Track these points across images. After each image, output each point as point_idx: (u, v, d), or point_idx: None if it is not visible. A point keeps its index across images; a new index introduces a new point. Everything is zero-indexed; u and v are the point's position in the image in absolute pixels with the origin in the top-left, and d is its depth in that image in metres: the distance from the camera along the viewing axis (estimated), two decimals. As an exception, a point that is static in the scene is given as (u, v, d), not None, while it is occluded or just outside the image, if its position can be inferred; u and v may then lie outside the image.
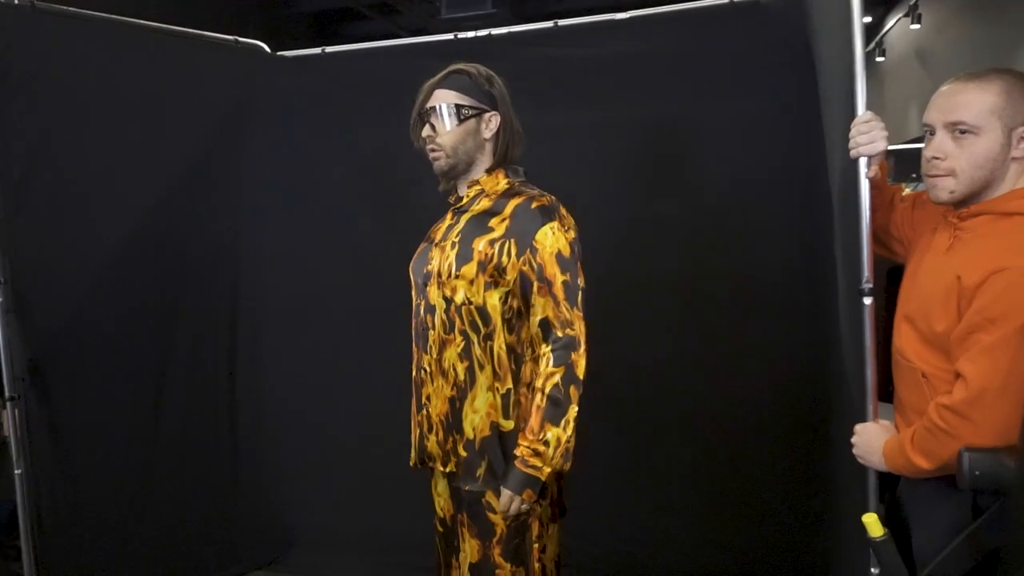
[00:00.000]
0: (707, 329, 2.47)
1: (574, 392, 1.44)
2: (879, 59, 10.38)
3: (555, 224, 1.48)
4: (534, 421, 1.44)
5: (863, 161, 1.36)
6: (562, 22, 2.50)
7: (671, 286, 2.51)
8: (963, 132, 1.27)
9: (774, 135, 2.37)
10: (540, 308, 1.48)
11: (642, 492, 2.58)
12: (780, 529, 2.40)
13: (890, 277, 1.62)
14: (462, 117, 1.52)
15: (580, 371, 1.45)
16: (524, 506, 1.44)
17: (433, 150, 1.55)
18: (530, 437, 1.44)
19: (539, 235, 1.46)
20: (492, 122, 1.55)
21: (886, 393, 1.43)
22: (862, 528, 1.25)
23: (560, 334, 1.46)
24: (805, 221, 2.30)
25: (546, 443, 1.43)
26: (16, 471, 2.24)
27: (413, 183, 2.47)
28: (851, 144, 1.37)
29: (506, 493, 1.44)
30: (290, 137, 2.84)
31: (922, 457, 1.23)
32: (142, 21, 2.50)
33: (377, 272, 2.60)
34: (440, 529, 1.67)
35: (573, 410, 1.44)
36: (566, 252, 1.47)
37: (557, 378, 1.44)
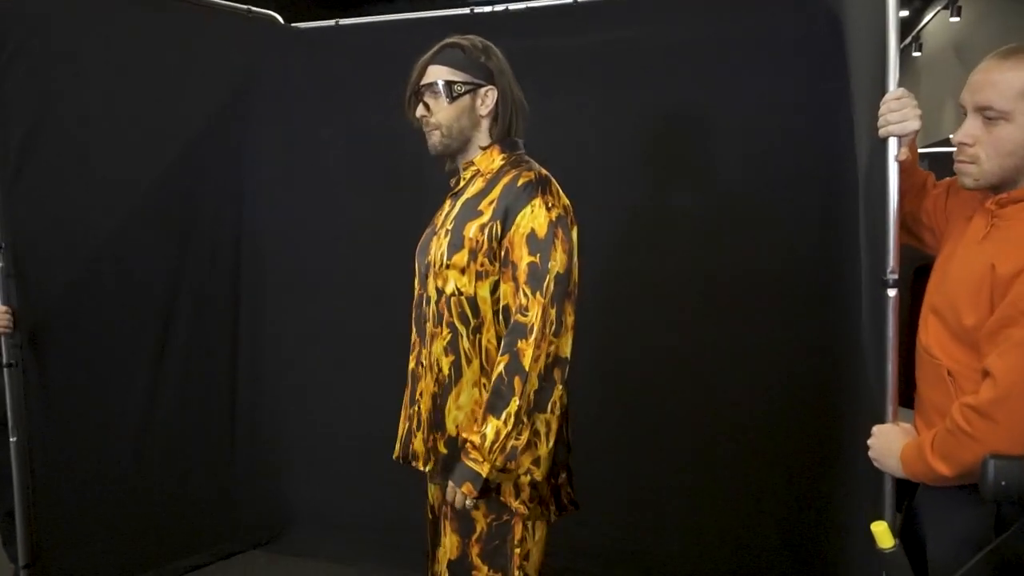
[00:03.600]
0: (721, 322, 2.38)
1: (518, 383, 1.30)
2: (915, 54, 10.09)
3: (537, 201, 1.36)
4: (479, 412, 1.36)
5: (892, 142, 1.26)
6: (581, -1, 2.41)
7: (685, 278, 2.42)
8: (991, 118, 1.16)
9: (796, 120, 2.27)
10: (504, 294, 1.38)
11: (653, 488, 2.50)
12: (790, 531, 2.33)
13: (917, 274, 1.53)
14: (455, 94, 1.43)
15: (527, 360, 1.30)
16: (468, 502, 1.35)
17: (429, 129, 1.47)
18: (473, 429, 1.36)
19: (519, 215, 1.36)
20: (489, 97, 1.45)
21: (907, 398, 1.33)
22: (871, 537, 1.16)
23: (512, 320, 1.35)
24: (827, 210, 2.20)
25: (483, 436, 1.32)
26: (12, 439, 2.22)
27: (426, 162, 2.40)
28: (880, 123, 1.27)
29: (450, 485, 1.36)
30: (298, 112, 2.78)
31: (942, 462, 1.13)
32: (150, -13, 2.46)
33: (382, 254, 2.55)
34: (430, 516, 1.62)
35: (515, 403, 1.31)
36: (540, 232, 1.34)
37: (501, 367, 1.33)
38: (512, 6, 2.49)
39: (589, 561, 2.48)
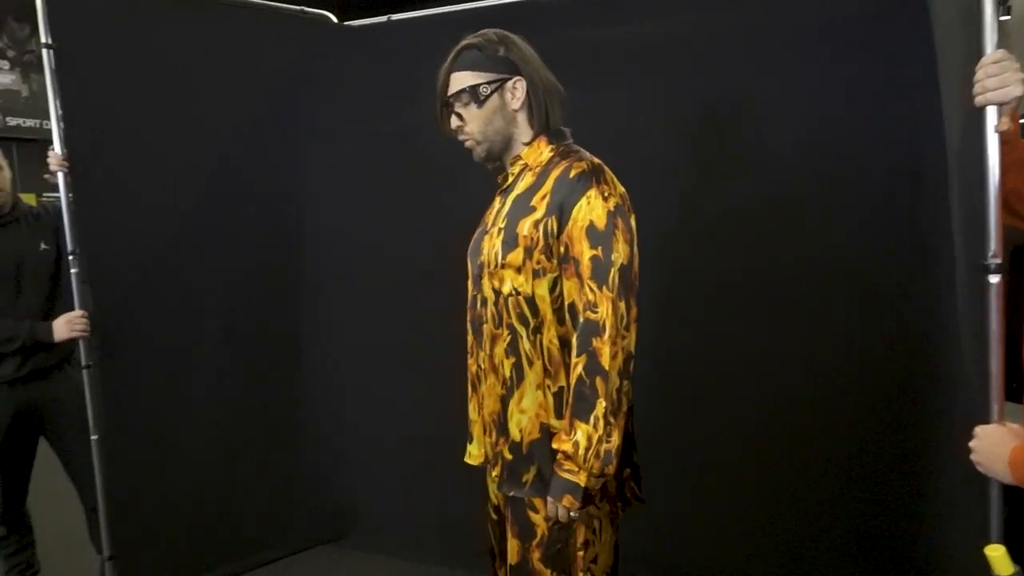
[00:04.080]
0: (791, 317, 2.25)
1: (600, 384, 1.24)
2: (1003, 17, 9.43)
3: (593, 192, 1.29)
4: (566, 420, 1.30)
5: (991, 111, 1.14)
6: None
7: (752, 271, 2.28)
8: None
9: (871, 99, 2.10)
10: (568, 292, 1.32)
11: (714, 491, 2.40)
12: (868, 543, 2.17)
13: (1014, 257, 1.39)
14: (482, 96, 1.37)
15: (605, 359, 1.24)
16: (572, 513, 1.29)
17: (465, 140, 1.42)
18: (563, 438, 1.30)
19: (575, 208, 1.29)
20: (518, 89, 1.39)
21: (1012, 391, 1.20)
22: (983, 560, 1.04)
23: (581, 318, 1.29)
24: (907, 195, 2.04)
25: (576, 444, 1.27)
26: (92, 437, 2.31)
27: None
28: (976, 90, 1.14)
29: (549, 500, 1.31)
30: (353, 109, 2.78)
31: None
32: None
33: (444, 249, 2.51)
34: (494, 517, 1.58)
35: (601, 405, 1.25)
36: (600, 224, 1.28)
37: (580, 369, 1.27)
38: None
39: (641, 565, 2.41)
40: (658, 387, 2.41)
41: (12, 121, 6.47)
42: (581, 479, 1.26)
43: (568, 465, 1.27)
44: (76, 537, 2.82)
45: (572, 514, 1.29)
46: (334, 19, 2.79)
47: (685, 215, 2.37)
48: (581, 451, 1.25)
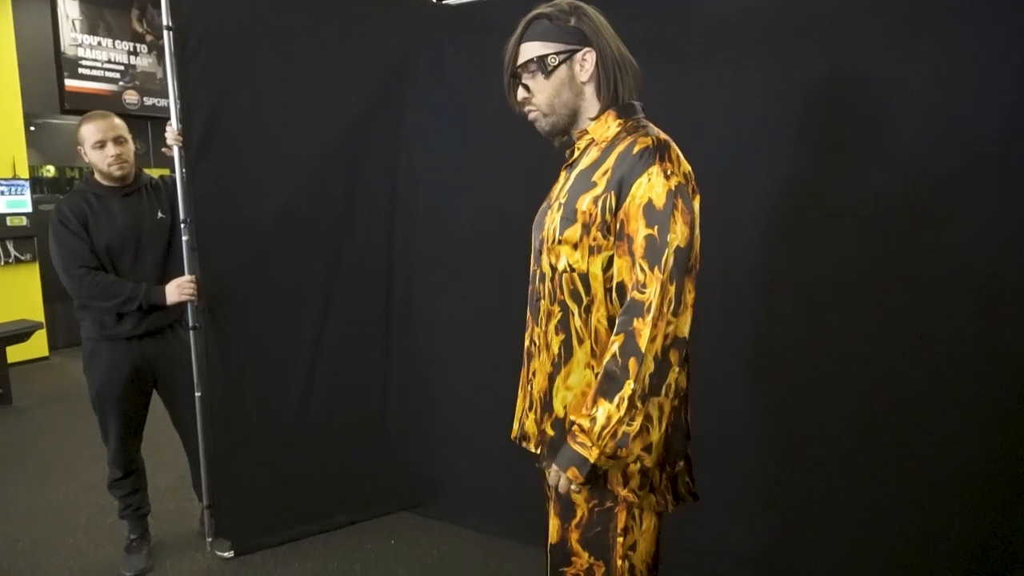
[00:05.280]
0: (906, 318, 2.09)
1: (633, 365, 1.19)
2: None
3: (655, 168, 1.23)
4: (590, 395, 1.26)
5: None
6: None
7: (864, 268, 2.13)
8: None
9: (1013, 78, 1.89)
10: (619, 270, 1.27)
11: (809, 493, 2.30)
12: (969, 555, 2.01)
13: None
14: (550, 67, 1.33)
15: (643, 341, 1.18)
16: (573, 487, 1.27)
17: (531, 112, 1.39)
18: (582, 411, 1.26)
19: (635, 184, 1.24)
20: (587, 61, 1.34)
21: None
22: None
23: (628, 297, 1.24)
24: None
25: (593, 419, 1.23)
26: (196, 393, 2.50)
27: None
28: None
29: (553, 468, 1.29)
30: (454, 92, 2.80)
31: None
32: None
33: (530, 230, 2.52)
34: (550, 496, 1.57)
35: (629, 386, 1.20)
36: (659, 202, 1.21)
37: (615, 348, 1.22)
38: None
39: (728, 562, 2.33)
40: (768, 384, 2.33)
41: (148, 101, 7.03)
42: (591, 455, 1.23)
43: (582, 438, 1.24)
44: (183, 484, 3.08)
45: (573, 487, 1.27)
46: (433, 0, 2.83)
47: (790, 206, 2.24)
48: (597, 427, 1.22)
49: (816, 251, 2.20)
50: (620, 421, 1.21)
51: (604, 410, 1.22)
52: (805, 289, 2.23)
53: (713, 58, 2.27)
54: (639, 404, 1.20)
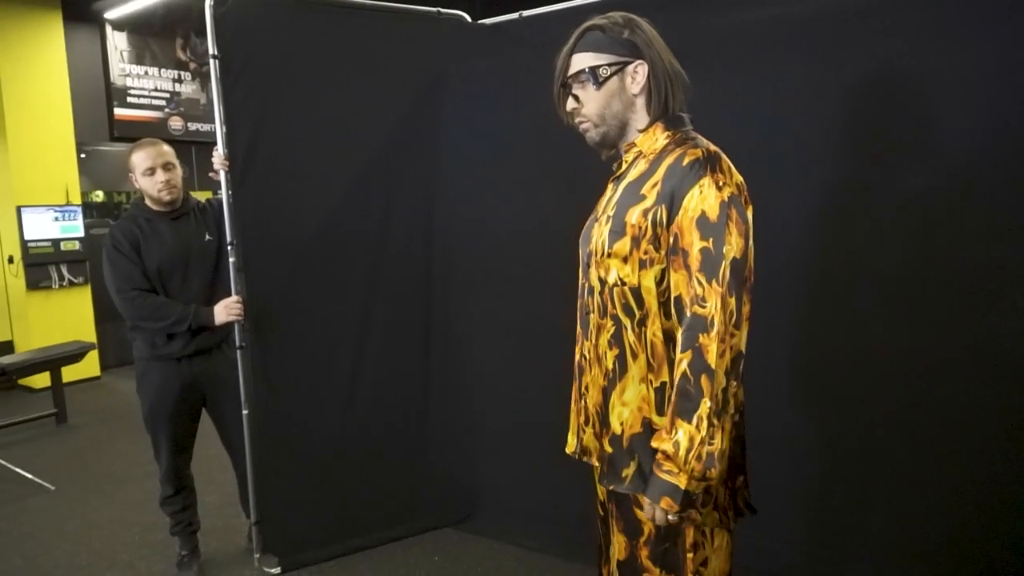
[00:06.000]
0: (953, 318, 2.03)
1: (706, 383, 1.18)
2: None
3: (706, 180, 1.22)
4: (667, 418, 1.24)
5: None
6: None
7: (910, 267, 2.09)
8: None
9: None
10: (675, 285, 1.26)
11: (853, 496, 2.24)
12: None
13: None
14: (601, 78, 1.33)
15: (712, 357, 1.17)
16: (671, 516, 1.24)
17: (581, 122, 1.40)
18: (663, 436, 1.24)
19: (687, 197, 1.23)
20: (639, 73, 1.34)
21: None
22: None
23: (688, 312, 1.22)
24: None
25: (676, 444, 1.21)
26: (244, 411, 2.54)
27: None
28: None
29: (645, 501, 1.27)
30: (487, 108, 2.83)
31: None
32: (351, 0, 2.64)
33: (573, 245, 2.52)
34: (601, 513, 1.56)
35: (706, 405, 1.18)
36: (712, 214, 1.20)
37: (684, 365, 1.20)
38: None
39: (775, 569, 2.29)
40: (802, 388, 2.28)
41: (192, 126, 7.25)
42: (681, 481, 1.20)
43: (668, 466, 1.22)
44: (231, 501, 3.13)
45: (670, 517, 1.24)
46: (468, 18, 2.87)
47: (834, 209, 2.20)
48: (682, 452, 1.20)
49: (859, 254, 2.16)
50: (702, 442, 1.19)
51: (685, 432, 1.20)
52: (847, 293, 2.19)
53: (747, 63, 2.25)
54: (716, 421, 1.19)
